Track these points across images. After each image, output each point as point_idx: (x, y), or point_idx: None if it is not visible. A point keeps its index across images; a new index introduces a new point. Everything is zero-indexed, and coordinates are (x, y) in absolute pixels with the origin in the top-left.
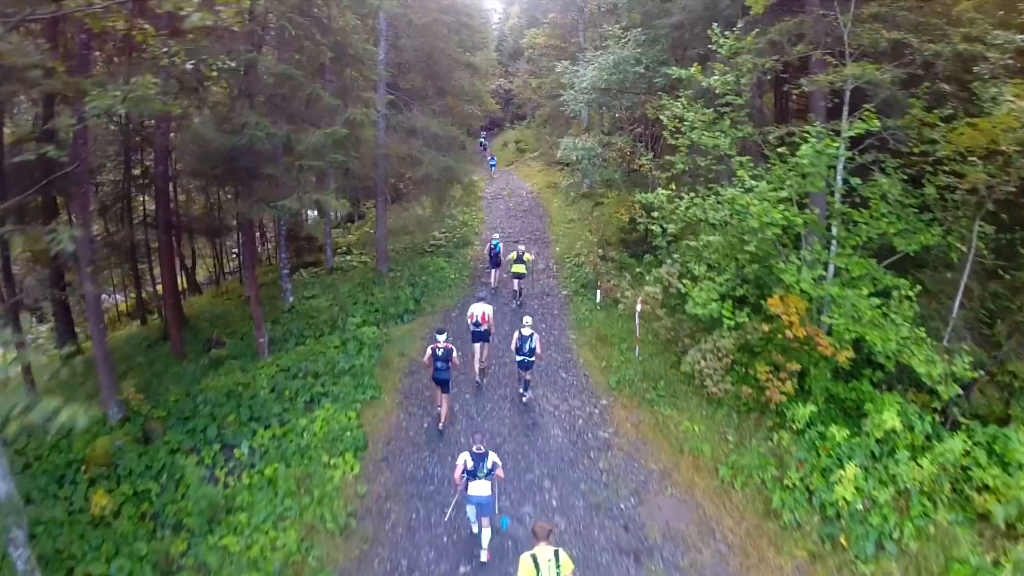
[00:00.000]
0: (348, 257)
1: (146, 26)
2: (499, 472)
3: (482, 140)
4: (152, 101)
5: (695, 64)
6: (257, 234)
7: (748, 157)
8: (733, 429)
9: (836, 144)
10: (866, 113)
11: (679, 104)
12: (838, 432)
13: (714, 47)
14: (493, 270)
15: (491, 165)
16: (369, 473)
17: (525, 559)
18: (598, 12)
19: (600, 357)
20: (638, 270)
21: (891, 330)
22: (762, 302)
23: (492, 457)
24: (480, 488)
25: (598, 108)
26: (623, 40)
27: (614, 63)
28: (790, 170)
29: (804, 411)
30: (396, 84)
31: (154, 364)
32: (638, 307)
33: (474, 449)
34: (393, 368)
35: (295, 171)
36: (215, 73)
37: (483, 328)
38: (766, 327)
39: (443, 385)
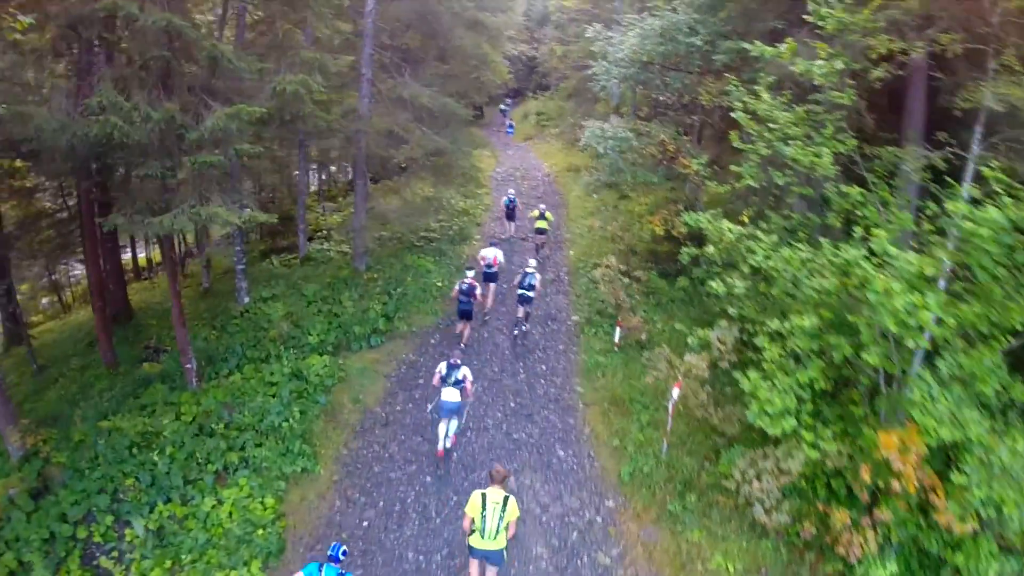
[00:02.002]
0: (326, 245)
1: None
2: (468, 385)
3: (503, 107)
4: None
5: (767, 41)
6: None
7: (882, 191)
8: (780, 570)
9: None
10: None
11: (760, 95)
12: None
13: (812, 18)
14: (508, 222)
15: (508, 132)
16: None
17: (475, 495)
18: None
19: (613, 430)
20: (670, 299)
21: None
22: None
23: (464, 370)
24: (449, 395)
25: (635, 86)
26: (674, 1)
27: (661, 30)
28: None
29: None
30: (389, 44)
31: (85, 373)
32: (674, 394)
33: (450, 360)
34: (341, 423)
35: (185, 170)
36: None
37: (494, 270)
38: (867, 474)
39: (466, 315)
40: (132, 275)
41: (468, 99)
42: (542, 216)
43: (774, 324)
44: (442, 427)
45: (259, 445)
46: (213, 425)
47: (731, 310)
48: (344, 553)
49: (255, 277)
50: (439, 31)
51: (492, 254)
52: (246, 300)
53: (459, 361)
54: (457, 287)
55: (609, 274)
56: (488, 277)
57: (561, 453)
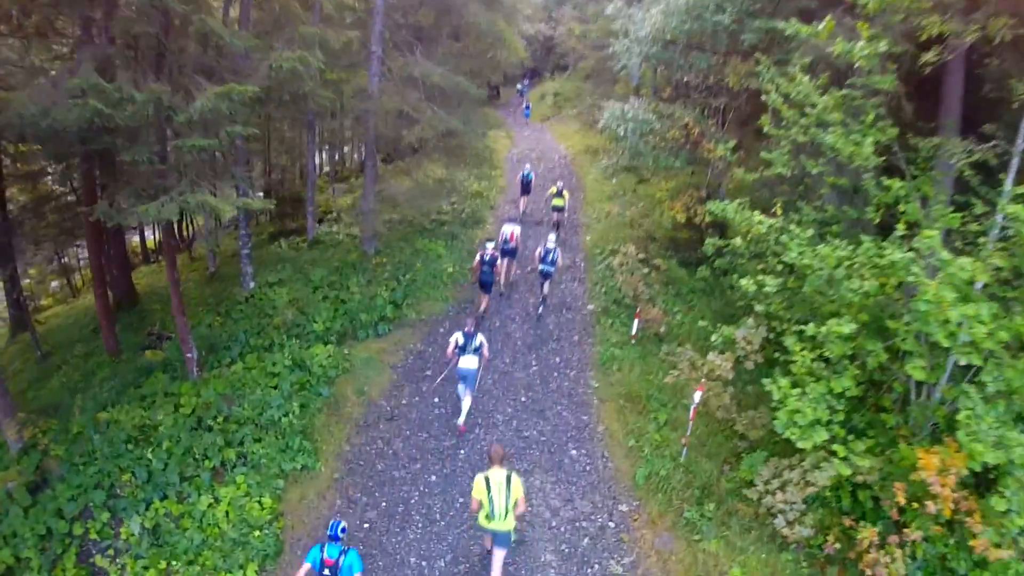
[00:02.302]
0: (336, 227)
1: None
2: (485, 351)
3: (521, 88)
4: None
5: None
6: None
7: (923, 185)
8: None
9: None
10: None
11: (794, 77)
12: None
13: None
14: (523, 197)
15: (525, 114)
16: None
17: (478, 479)
18: None
19: (628, 428)
20: (690, 289)
21: None
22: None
23: (480, 338)
24: (468, 362)
25: (657, 66)
26: None
27: (686, 7)
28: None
29: None
30: (402, 21)
31: (88, 361)
32: (696, 397)
33: (465, 329)
34: (343, 417)
35: (175, 154)
36: None
37: (511, 246)
38: (901, 493)
39: (487, 287)
40: (140, 258)
41: (483, 78)
42: (559, 193)
43: (809, 330)
44: (466, 399)
45: (258, 440)
46: (211, 419)
47: (758, 307)
48: (343, 530)
49: (262, 261)
50: (452, 7)
51: (510, 230)
52: (252, 285)
53: (473, 329)
54: (478, 258)
55: (627, 263)
56: (506, 252)
57: (573, 452)
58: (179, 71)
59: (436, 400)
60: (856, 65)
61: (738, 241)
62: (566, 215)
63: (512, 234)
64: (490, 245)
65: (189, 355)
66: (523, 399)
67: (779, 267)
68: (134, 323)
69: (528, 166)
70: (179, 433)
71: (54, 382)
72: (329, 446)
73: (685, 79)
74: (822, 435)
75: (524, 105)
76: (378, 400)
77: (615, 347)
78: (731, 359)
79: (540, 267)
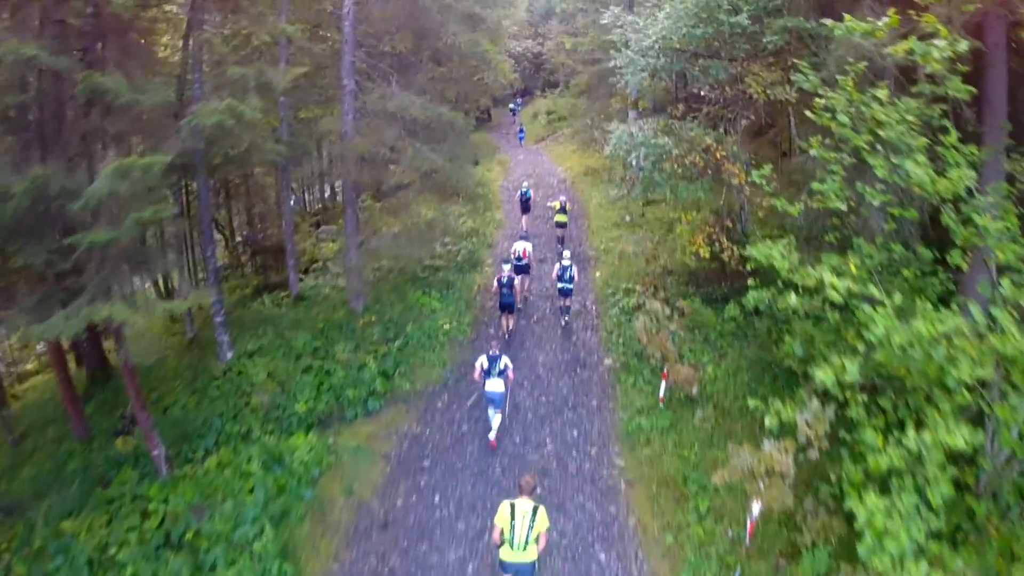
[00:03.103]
0: (321, 280)
1: None
2: (510, 373)
3: (513, 107)
4: None
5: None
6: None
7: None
8: None
9: None
10: None
11: (848, 86)
12: None
13: None
14: (524, 216)
15: (520, 138)
16: None
17: (504, 505)
18: None
19: (664, 521)
20: (719, 333)
21: None
22: None
23: (504, 360)
24: (494, 385)
25: (668, 77)
26: None
27: (697, 9)
28: None
29: None
30: (377, 48)
31: (60, 447)
32: (754, 509)
33: (490, 352)
34: (330, 526)
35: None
36: None
37: (524, 262)
38: None
39: (508, 308)
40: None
41: (472, 102)
42: (563, 209)
43: (909, 439)
44: (496, 417)
45: (232, 564)
46: (180, 535)
47: (819, 374)
48: None
49: (243, 322)
50: (430, 30)
51: (522, 247)
52: (229, 356)
53: (498, 352)
54: (496, 282)
55: (651, 320)
56: (519, 269)
57: (602, 556)
58: (82, 141)
59: (469, 402)
60: (926, 69)
61: (792, 299)
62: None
63: (524, 251)
64: (506, 267)
65: (156, 452)
66: (539, 490)
67: (861, 347)
68: (108, 400)
69: (526, 183)
70: (143, 558)
71: (25, 472)
72: (314, 564)
73: (698, 91)
74: (921, 570)
75: (518, 128)
76: (370, 500)
77: (641, 414)
78: (790, 448)
79: (559, 285)
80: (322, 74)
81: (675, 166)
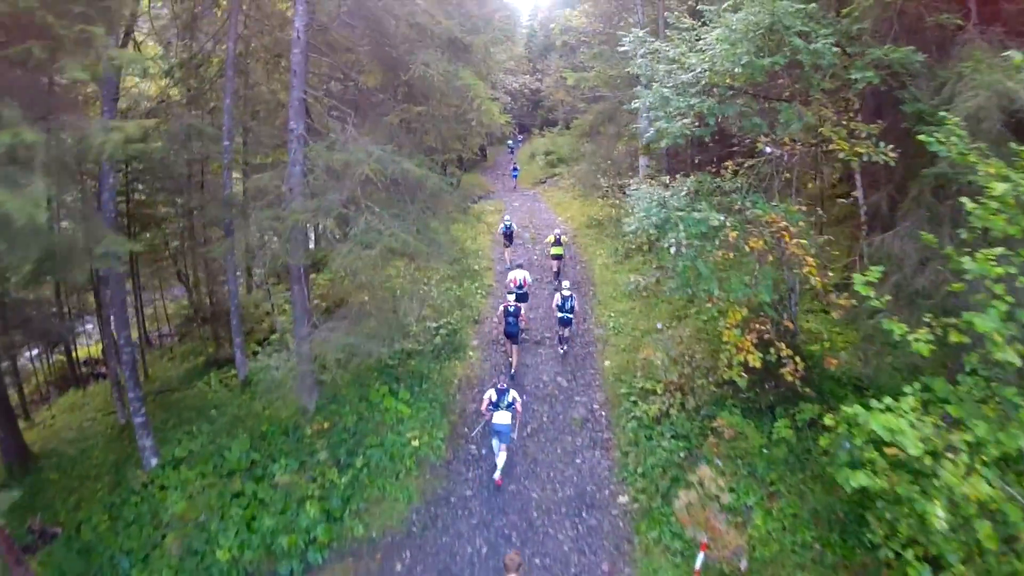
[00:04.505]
0: (274, 359)
1: None
2: (518, 406)
3: (511, 144)
4: None
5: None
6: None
7: None
8: None
9: None
10: None
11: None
12: None
13: None
14: (507, 248)
15: (513, 175)
16: None
17: None
18: None
19: None
20: (767, 462)
21: None
22: None
23: (512, 394)
24: (502, 418)
25: (718, 121)
26: None
27: (763, 26)
28: None
29: None
30: (342, 83)
31: None
32: None
33: (499, 386)
34: None
35: None
36: None
37: (523, 291)
38: None
39: (513, 337)
40: (40, 393)
41: (456, 148)
42: (558, 242)
43: None
44: (501, 454)
45: None
46: None
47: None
48: None
49: (182, 407)
50: (400, 62)
51: (521, 276)
52: (153, 463)
53: (507, 385)
54: (502, 309)
55: (697, 494)
56: (518, 298)
57: None
58: None
59: (475, 432)
60: None
61: (939, 512)
62: (565, 263)
63: (524, 279)
64: (511, 296)
65: None
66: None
67: None
68: (25, 501)
69: (508, 217)
70: None
71: None
72: None
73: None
74: None
75: (512, 168)
76: None
77: None
78: None
79: (559, 315)
80: (280, 114)
81: (726, 253)
